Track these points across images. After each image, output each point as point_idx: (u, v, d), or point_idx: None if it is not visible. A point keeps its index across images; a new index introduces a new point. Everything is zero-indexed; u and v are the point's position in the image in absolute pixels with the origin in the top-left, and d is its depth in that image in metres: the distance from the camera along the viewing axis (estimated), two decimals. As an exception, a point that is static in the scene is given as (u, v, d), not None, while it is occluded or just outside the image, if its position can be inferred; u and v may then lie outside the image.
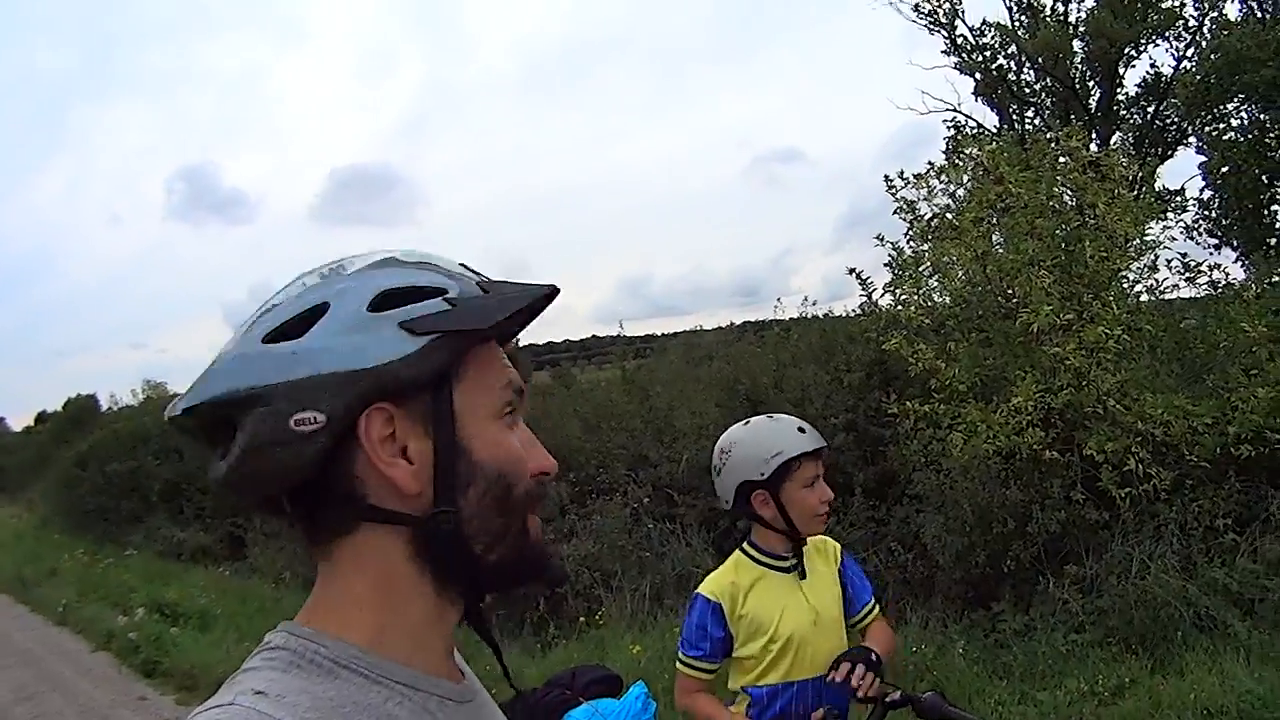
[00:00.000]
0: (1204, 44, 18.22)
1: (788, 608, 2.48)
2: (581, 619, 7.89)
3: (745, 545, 2.58)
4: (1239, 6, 18.43)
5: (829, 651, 2.47)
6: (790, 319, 10.90)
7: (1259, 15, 17.72)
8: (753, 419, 2.59)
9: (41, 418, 40.87)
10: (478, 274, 0.90)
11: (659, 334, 19.00)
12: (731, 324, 13.85)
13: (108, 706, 7.82)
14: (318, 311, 0.82)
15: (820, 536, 2.65)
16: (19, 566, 15.19)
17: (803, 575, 2.54)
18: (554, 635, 7.95)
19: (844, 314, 9.88)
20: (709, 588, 2.52)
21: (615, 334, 14.80)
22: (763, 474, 2.45)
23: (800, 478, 2.46)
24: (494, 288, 0.88)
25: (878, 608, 2.72)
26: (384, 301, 0.82)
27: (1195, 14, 18.95)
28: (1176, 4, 18.99)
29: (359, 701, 0.78)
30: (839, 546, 2.73)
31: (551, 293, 0.90)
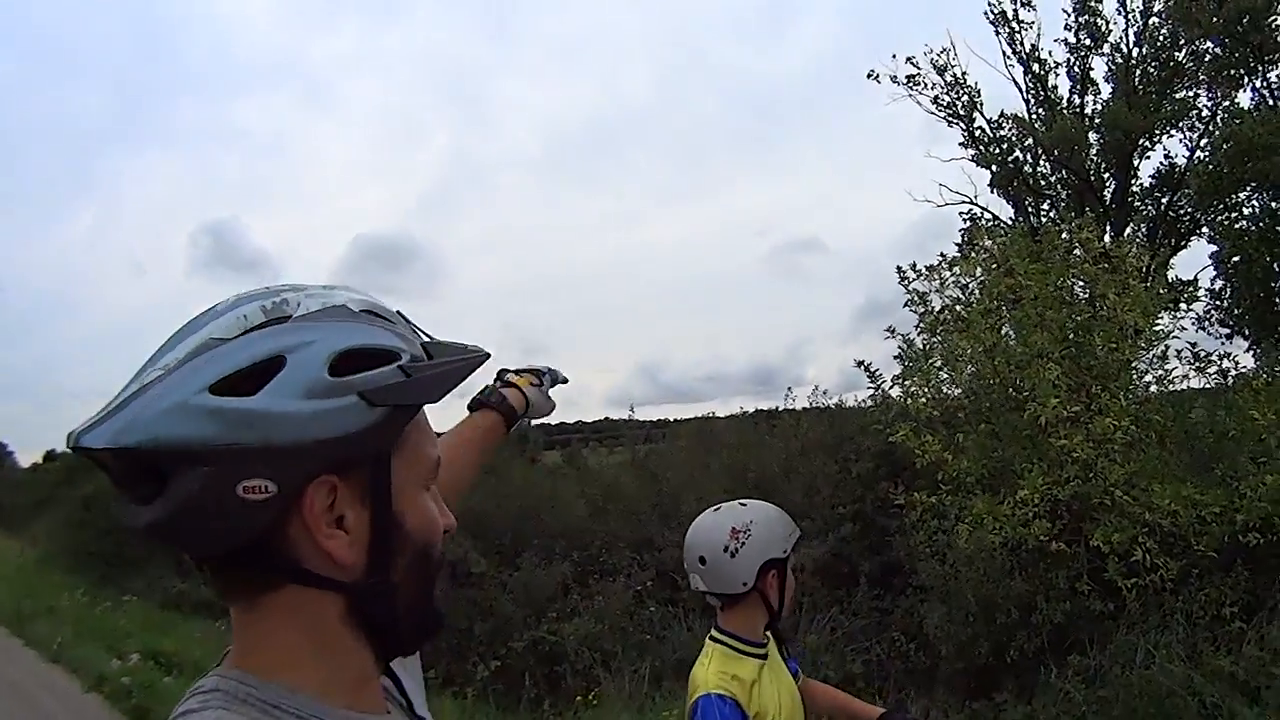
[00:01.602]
0: (1216, 133, 18.39)
1: (780, 691, 2.46)
2: (579, 698, 7.82)
3: (718, 635, 2.48)
4: (1251, 95, 18.66)
5: None
6: (801, 409, 11.00)
7: (1270, 102, 17.93)
8: (748, 502, 2.57)
9: (50, 456, 40.96)
10: (412, 325, 0.89)
11: (672, 419, 19.04)
12: (744, 411, 13.89)
13: (96, 749, 7.74)
14: (272, 366, 0.76)
15: None
16: (17, 601, 15.14)
17: (766, 655, 2.50)
18: (550, 713, 7.89)
19: (855, 405, 10.00)
20: (714, 686, 2.39)
21: (628, 417, 14.85)
22: (785, 550, 2.47)
23: (790, 562, 2.51)
24: (435, 350, 0.87)
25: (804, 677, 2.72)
26: (342, 364, 0.78)
27: (1208, 103, 19.17)
28: (1190, 94, 19.21)
29: None
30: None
31: (486, 357, 0.91)
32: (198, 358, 0.76)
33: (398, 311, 0.89)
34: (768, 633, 2.53)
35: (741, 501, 2.57)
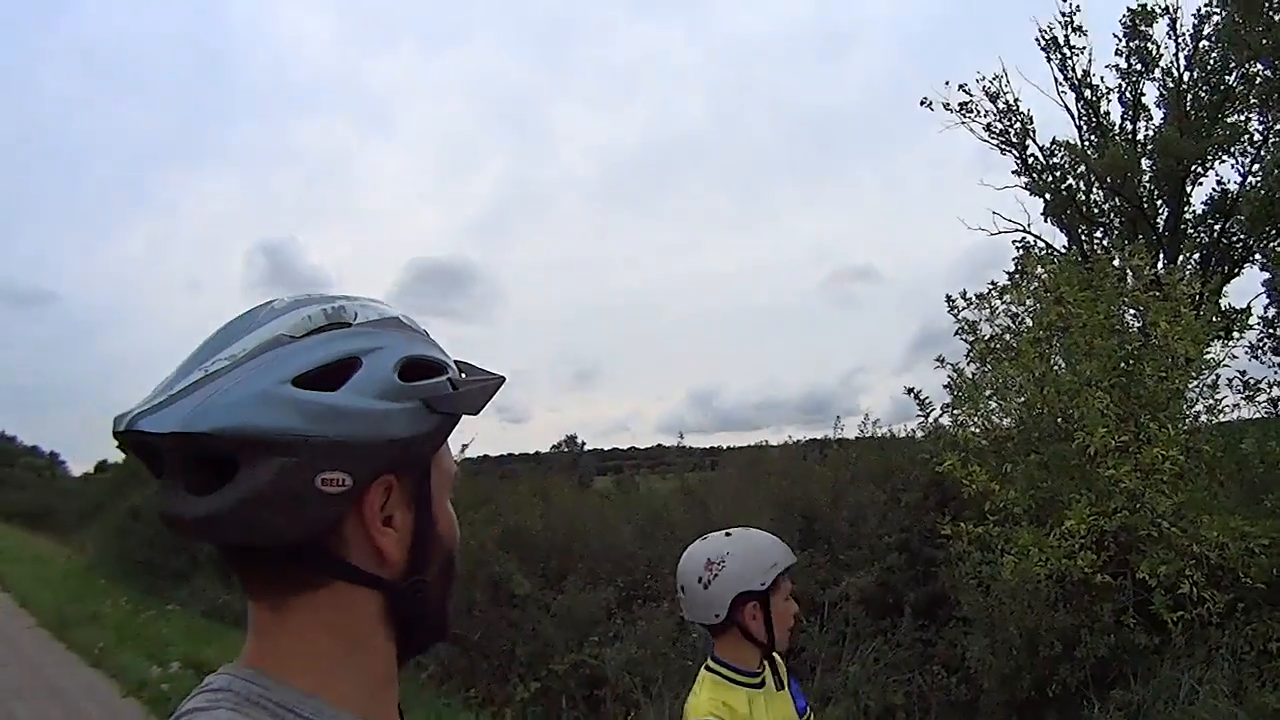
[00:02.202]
0: (1268, 157, 18.11)
1: None
2: (619, 722, 7.82)
3: (712, 664, 2.49)
4: (1302, 119, 18.36)
5: None
6: (853, 438, 10.95)
7: (1321, 126, 17.65)
8: (734, 531, 2.56)
9: (102, 467, 41.71)
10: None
11: (725, 447, 19.06)
12: (795, 441, 13.88)
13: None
14: (348, 366, 0.79)
15: None
16: (61, 605, 15.43)
17: (761, 685, 2.49)
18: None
19: (906, 434, 10.01)
20: (705, 713, 2.39)
21: (679, 444, 14.91)
22: (763, 584, 2.45)
23: (783, 590, 2.49)
24: (464, 369, 0.91)
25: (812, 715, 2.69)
26: (407, 371, 0.82)
27: (1260, 127, 18.90)
28: (1242, 118, 18.96)
29: None
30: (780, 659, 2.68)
31: (502, 381, 0.93)
32: (269, 352, 0.77)
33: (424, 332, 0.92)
34: (766, 663, 2.53)
35: (729, 531, 2.56)
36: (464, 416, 0.89)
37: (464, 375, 0.89)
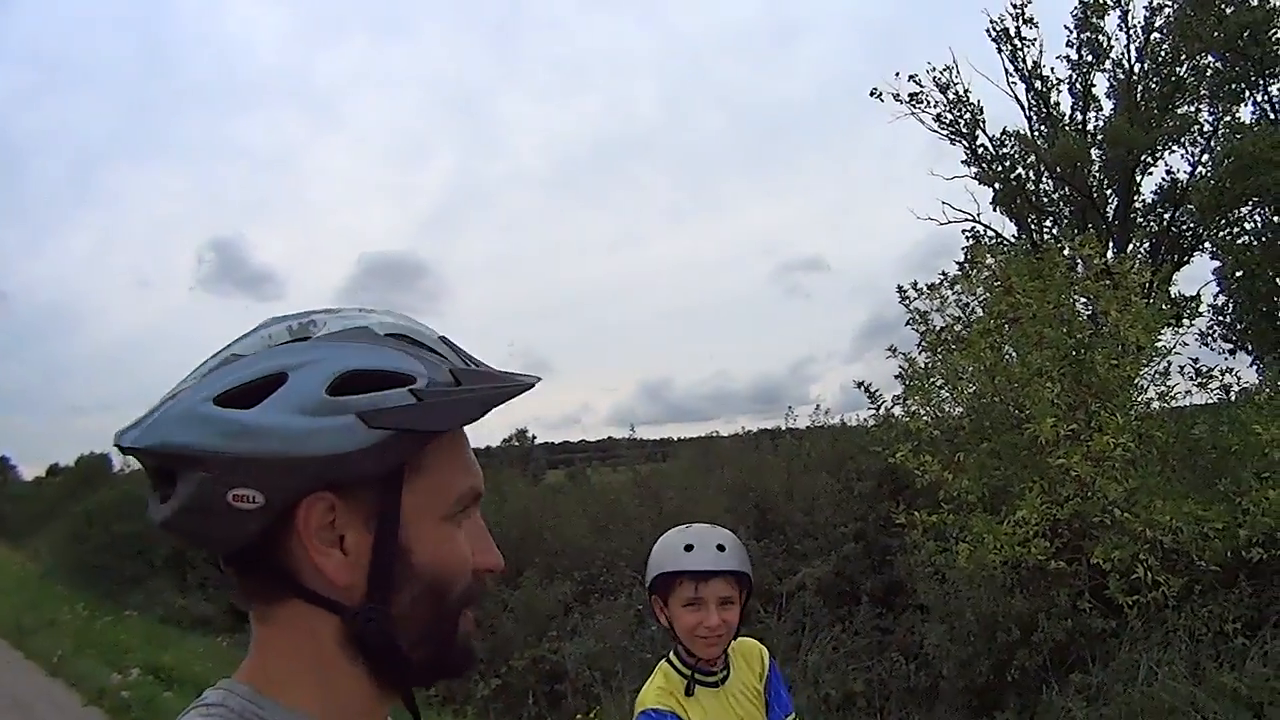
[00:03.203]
0: (1218, 149, 18.45)
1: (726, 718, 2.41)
2: (579, 716, 7.80)
3: (671, 655, 2.47)
4: (1252, 109, 18.73)
5: None
6: (804, 428, 11.01)
7: (1271, 117, 17.99)
8: (691, 526, 2.50)
9: (53, 470, 41.09)
10: (457, 351, 0.86)
11: (675, 438, 19.13)
12: (747, 431, 13.93)
13: (95, 762, 7.74)
14: (273, 382, 0.78)
15: (753, 642, 2.60)
16: (18, 613, 15.18)
17: (719, 684, 2.45)
18: (550, 732, 7.89)
19: (857, 424, 9.96)
20: (654, 703, 2.37)
21: (630, 436, 14.94)
22: (647, 582, 2.45)
23: (681, 595, 2.38)
24: (468, 377, 0.83)
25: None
26: (346, 384, 0.78)
27: (1210, 118, 19.26)
28: (1192, 109, 19.29)
29: None
30: (767, 655, 2.62)
31: (529, 386, 0.86)
32: (215, 371, 0.80)
33: (442, 337, 0.86)
34: (728, 658, 2.48)
35: (688, 525, 2.52)
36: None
37: (461, 385, 0.82)
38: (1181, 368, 7.74)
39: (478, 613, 0.88)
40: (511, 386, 0.84)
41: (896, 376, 8.35)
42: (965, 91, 20.67)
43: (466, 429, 0.86)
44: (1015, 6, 20.27)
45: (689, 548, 2.38)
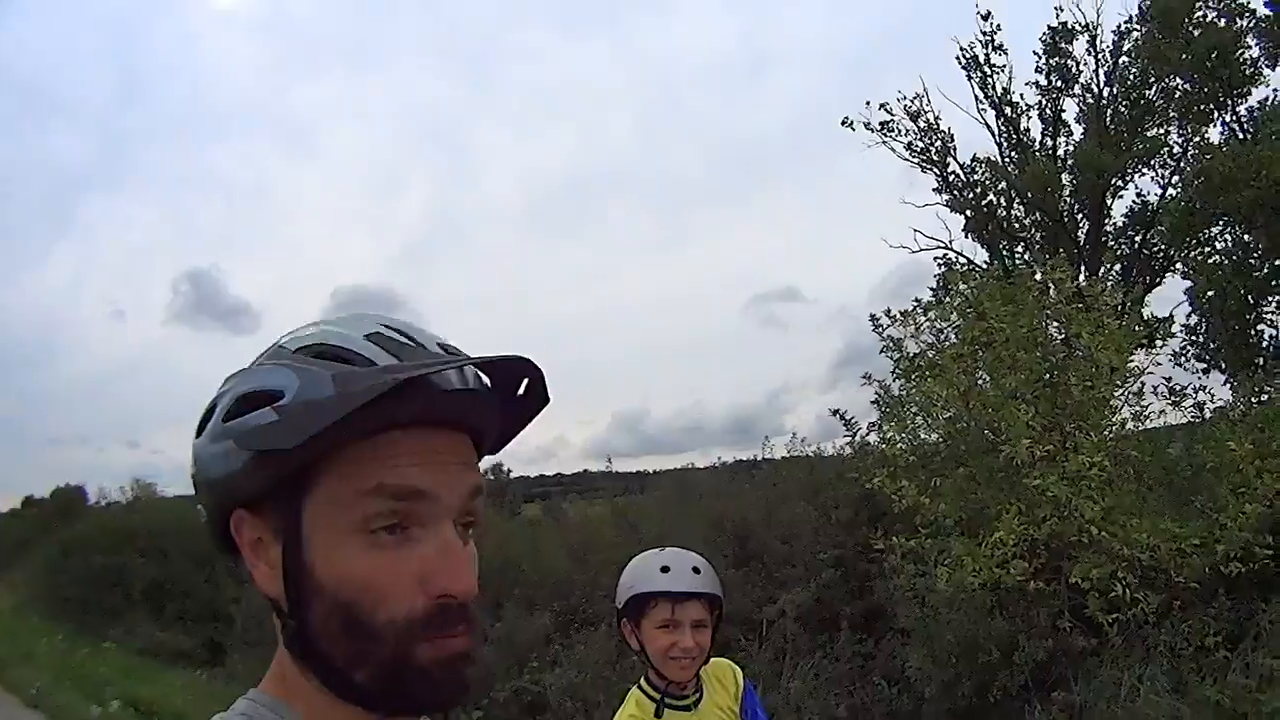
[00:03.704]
0: (1188, 169, 18.67)
1: None
2: (562, 748, 7.78)
3: (642, 681, 2.45)
4: (1221, 129, 18.98)
5: None
6: (781, 458, 11.02)
7: (1240, 136, 18.24)
8: (664, 549, 2.49)
9: (28, 502, 40.55)
10: (389, 345, 0.80)
11: (651, 470, 19.08)
12: (722, 462, 13.99)
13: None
14: (210, 410, 0.82)
15: (726, 663, 2.60)
16: (-5, 646, 14.92)
17: (690, 707, 2.44)
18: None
19: (834, 452, 10.03)
20: None
21: (606, 469, 14.92)
22: (620, 604, 2.43)
23: (655, 617, 2.36)
24: (346, 380, 0.75)
25: None
26: (236, 410, 0.78)
27: (1179, 140, 19.46)
28: (1162, 131, 19.51)
29: None
30: (741, 675, 2.61)
31: (389, 385, 0.74)
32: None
33: (373, 335, 0.80)
34: (701, 680, 2.47)
35: (662, 548, 2.52)
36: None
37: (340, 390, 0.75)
38: (1155, 388, 7.83)
39: (456, 641, 0.79)
40: (388, 380, 0.74)
41: (872, 403, 8.42)
42: (936, 119, 20.79)
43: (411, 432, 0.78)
44: (985, 34, 20.44)
45: (665, 569, 2.37)
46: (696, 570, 2.38)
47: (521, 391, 0.86)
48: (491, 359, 0.80)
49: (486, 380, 0.83)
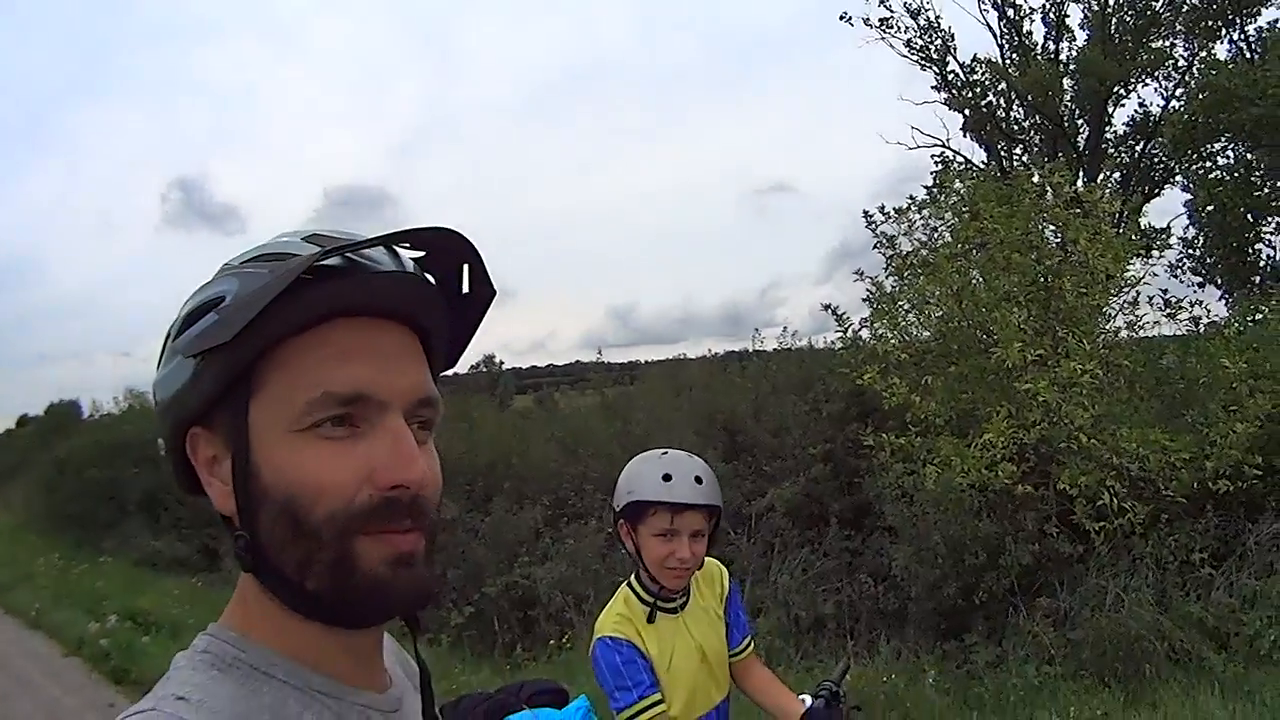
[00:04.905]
0: (1193, 83, 18.41)
1: (676, 648, 2.37)
2: (553, 641, 7.87)
3: (633, 580, 2.44)
4: (1228, 46, 18.68)
5: (717, 687, 2.42)
6: (771, 350, 10.99)
7: (1247, 54, 17.94)
8: (666, 452, 2.45)
9: (23, 421, 40.77)
10: (325, 243, 0.78)
11: (643, 361, 19.13)
12: (714, 354, 13.92)
13: (76, 712, 7.75)
14: (165, 342, 0.82)
15: (714, 563, 2.58)
16: (-6, 568, 15.08)
17: (678, 610, 2.43)
18: (523, 657, 7.94)
19: (825, 346, 9.94)
20: (611, 631, 2.34)
21: (598, 360, 14.87)
22: (617, 506, 2.40)
23: (654, 525, 2.32)
24: (280, 270, 0.75)
25: (753, 644, 2.63)
26: (184, 325, 0.78)
27: (1185, 54, 19.17)
28: (1167, 44, 19.19)
29: (276, 710, 0.76)
30: (727, 575, 2.61)
31: (293, 269, 0.73)
32: None
33: (311, 234, 0.80)
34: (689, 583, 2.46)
35: (664, 450, 2.47)
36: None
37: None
38: (1150, 298, 7.78)
39: (403, 538, 0.77)
40: (282, 275, 0.73)
41: (864, 300, 8.43)
42: (936, 18, 20.50)
43: (355, 330, 0.78)
44: (989, -68, 20.07)
45: (667, 478, 2.32)
46: (699, 480, 2.33)
47: (465, 286, 0.85)
48: (418, 229, 0.79)
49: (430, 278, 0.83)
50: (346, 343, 0.77)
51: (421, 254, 0.82)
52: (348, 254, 0.77)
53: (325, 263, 0.75)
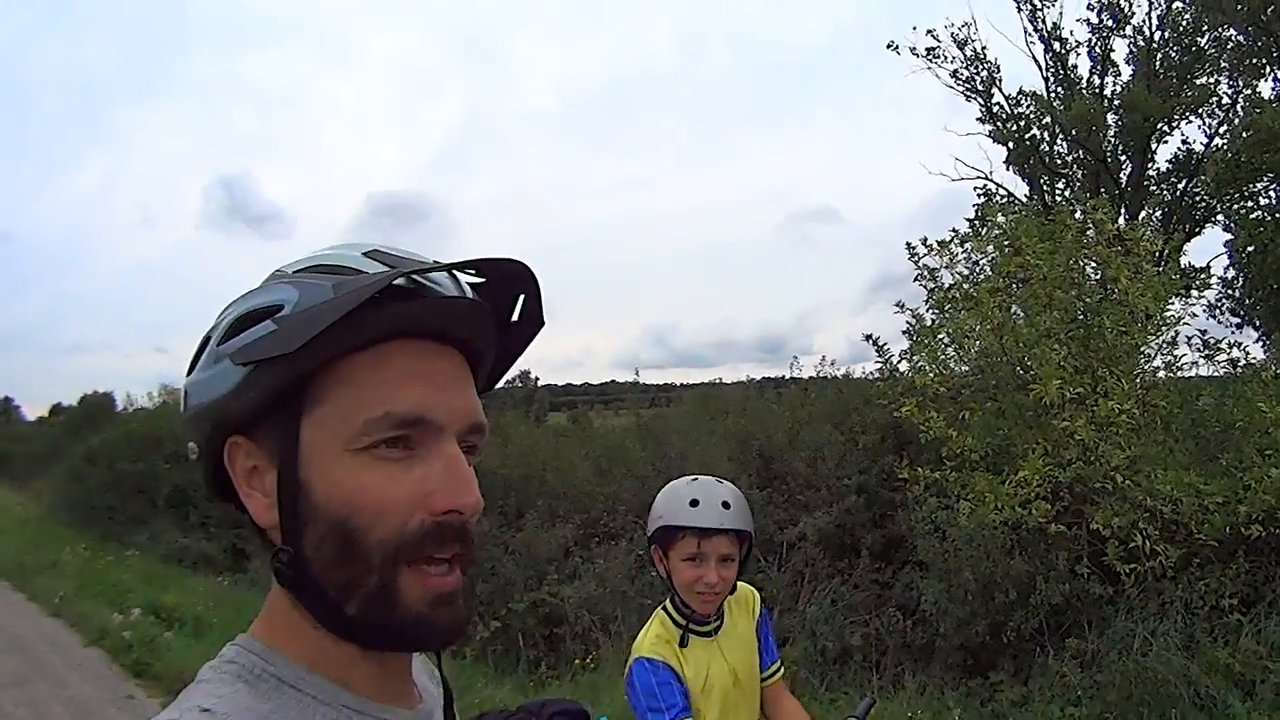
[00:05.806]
0: (1236, 122, 18.29)
1: (711, 670, 2.38)
2: (577, 661, 7.84)
3: (668, 603, 2.46)
4: (1273, 85, 18.54)
5: (749, 710, 2.43)
6: (809, 378, 11.01)
7: (1293, 93, 17.81)
8: (696, 478, 2.49)
9: (56, 410, 41.30)
10: (387, 260, 0.80)
11: (678, 384, 19.19)
12: (750, 379, 13.94)
13: (95, 702, 7.76)
14: (203, 345, 0.81)
15: (747, 587, 2.58)
16: (20, 554, 15.24)
17: (712, 634, 2.44)
18: (547, 675, 7.93)
19: (862, 376, 9.96)
20: (649, 652, 2.35)
21: (634, 380, 14.91)
22: (649, 531, 2.45)
23: (682, 550, 2.36)
24: (345, 285, 0.75)
25: (781, 670, 2.63)
26: (232, 330, 0.78)
27: (1229, 91, 19.08)
28: (1211, 81, 19.10)
29: None
30: (758, 598, 2.62)
31: (374, 285, 0.74)
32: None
33: (372, 250, 0.81)
34: (722, 607, 2.46)
35: (695, 476, 2.50)
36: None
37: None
38: (1189, 338, 7.70)
39: (445, 580, 0.77)
40: (356, 290, 0.73)
41: (904, 332, 8.40)
42: (983, 49, 20.57)
43: (421, 354, 0.79)
44: (1036, -34, 20.05)
45: (694, 503, 2.35)
46: (726, 505, 2.35)
47: (517, 316, 0.87)
48: (487, 259, 0.80)
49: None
50: (407, 364, 0.77)
51: (481, 280, 0.84)
52: (414, 276, 0.78)
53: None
